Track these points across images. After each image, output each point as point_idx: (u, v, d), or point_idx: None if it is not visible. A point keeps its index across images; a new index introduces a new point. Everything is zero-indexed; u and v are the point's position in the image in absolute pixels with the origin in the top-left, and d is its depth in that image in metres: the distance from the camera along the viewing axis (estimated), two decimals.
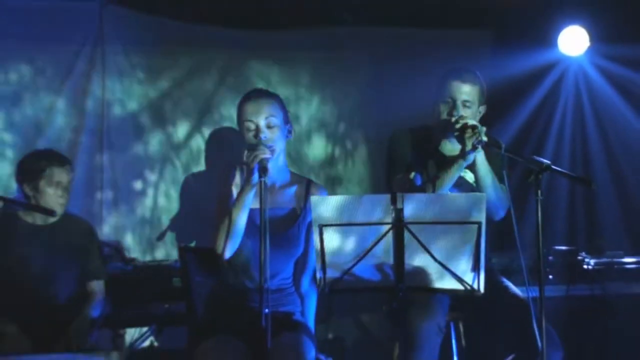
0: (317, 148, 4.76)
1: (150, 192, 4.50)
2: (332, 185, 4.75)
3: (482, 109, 3.46)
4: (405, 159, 3.44)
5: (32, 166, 3.54)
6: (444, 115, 3.37)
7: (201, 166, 4.51)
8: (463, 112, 3.34)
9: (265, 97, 3.14)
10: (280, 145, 3.11)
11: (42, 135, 4.29)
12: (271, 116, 3.09)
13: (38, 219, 3.56)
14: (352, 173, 4.82)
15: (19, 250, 3.51)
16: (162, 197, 4.51)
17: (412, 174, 3.37)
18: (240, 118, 3.12)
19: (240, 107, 3.14)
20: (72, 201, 3.66)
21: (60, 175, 3.52)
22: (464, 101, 3.37)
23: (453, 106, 3.36)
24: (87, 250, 3.62)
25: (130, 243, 4.44)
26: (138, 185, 4.49)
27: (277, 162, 3.09)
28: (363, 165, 4.82)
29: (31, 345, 3.33)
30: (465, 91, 3.37)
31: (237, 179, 3.15)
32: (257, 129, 3.06)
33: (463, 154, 3.20)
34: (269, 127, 3.08)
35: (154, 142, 4.50)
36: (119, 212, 4.42)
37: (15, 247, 3.52)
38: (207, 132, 4.54)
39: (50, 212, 3.40)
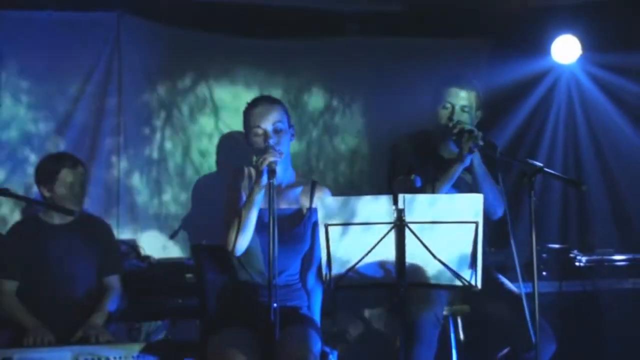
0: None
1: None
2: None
3: (479, 113, 3.48)
4: (406, 162, 3.46)
5: (47, 169, 3.57)
6: (444, 120, 3.39)
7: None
8: (461, 117, 3.36)
9: (270, 104, 3.16)
10: (286, 148, 3.13)
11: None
12: (278, 122, 3.12)
13: (56, 219, 3.59)
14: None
15: (40, 249, 3.54)
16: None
17: (413, 176, 3.38)
18: (248, 124, 3.14)
19: (247, 114, 3.16)
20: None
21: (72, 176, 3.55)
22: (462, 106, 3.39)
23: (452, 111, 3.38)
24: (103, 247, 3.64)
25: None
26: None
27: (283, 164, 3.10)
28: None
29: (54, 338, 3.36)
30: (463, 97, 3.40)
31: (246, 181, 3.17)
32: (265, 135, 3.09)
33: (461, 157, 3.22)
34: (276, 132, 3.11)
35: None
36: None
37: (36, 247, 3.55)
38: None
39: (69, 212, 3.43)
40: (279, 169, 2.95)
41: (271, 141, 3.06)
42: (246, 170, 3.20)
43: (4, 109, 4.28)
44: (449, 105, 3.40)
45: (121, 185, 4.42)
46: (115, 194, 4.41)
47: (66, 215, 3.52)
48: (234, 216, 3.04)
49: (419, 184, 3.36)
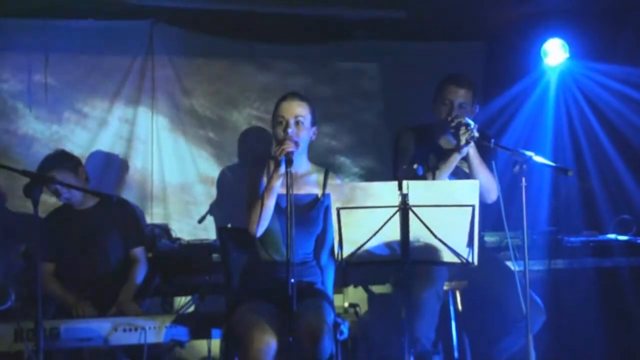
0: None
1: None
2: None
3: (475, 109, 3.47)
4: (409, 152, 3.45)
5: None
6: (443, 115, 3.38)
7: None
8: (459, 112, 3.35)
9: (298, 100, 3.14)
10: (304, 142, 3.12)
11: None
12: (300, 116, 3.10)
13: (83, 204, 3.58)
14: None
15: (72, 232, 3.55)
16: None
17: (415, 165, 3.37)
18: (275, 113, 3.14)
19: (276, 105, 3.16)
20: None
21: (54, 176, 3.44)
22: (460, 103, 3.38)
23: (451, 107, 3.38)
24: (126, 222, 3.63)
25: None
26: None
27: (300, 155, 3.11)
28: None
29: (95, 311, 3.38)
30: (461, 94, 3.39)
31: (266, 170, 3.16)
32: (286, 125, 3.09)
33: (458, 148, 3.22)
34: (296, 124, 3.09)
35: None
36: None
37: (68, 230, 3.55)
38: None
39: (107, 197, 3.43)
40: (295, 159, 2.95)
41: (290, 131, 3.05)
42: (267, 160, 3.21)
43: (49, 107, 4.29)
44: (448, 102, 3.39)
45: (154, 180, 4.42)
46: (149, 188, 4.41)
47: (93, 198, 3.52)
48: (255, 202, 3.04)
49: (420, 172, 3.35)
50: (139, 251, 3.63)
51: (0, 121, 4.25)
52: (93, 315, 3.33)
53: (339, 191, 2.70)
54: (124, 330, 3.15)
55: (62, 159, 3.56)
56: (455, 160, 3.26)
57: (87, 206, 3.60)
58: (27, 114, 4.27)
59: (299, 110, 3.11)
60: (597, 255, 3.97)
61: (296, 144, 2.98)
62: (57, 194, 3.53)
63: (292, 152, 2.90)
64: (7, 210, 4.10)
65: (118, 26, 4.34)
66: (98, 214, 3.59)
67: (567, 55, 4.48)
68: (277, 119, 3.12)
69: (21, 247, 3.70)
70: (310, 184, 3.19)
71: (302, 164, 3.17)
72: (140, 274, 3.58)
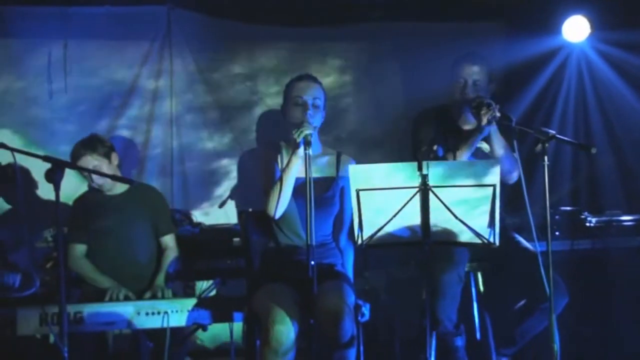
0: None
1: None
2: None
3: (492, 87, 3.43)
4: (428, 134, 3.42)
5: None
6: (457, 94, 3.36)
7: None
8: (474, 90, 3.32)
9: (315, 82, 3.17)
10: (318, 124, 3.13)
11: None
12: (317, 98, 3.12)
13: (113, 190, 3.59)
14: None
15: (101, 217, 3.55)
16: None
17: (435, 147, 3.35)
18: (291, 94, 3.13)
19: (292, 85, 3.15)
20: None
21: (86, 162, 3.45)
22: (475, 81, 3.36)
23: (465, 85, 3.35)
24: (156, 210, 3.63)
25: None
26: None
27: (313, 137, 3.08)
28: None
29: (131, 294, 3.36)
30: (476, 72, 3.37)
31: (280, 154, 3.16)
32: (305, 106, 3.08)
33: (479, 128, 3.18)
34: (314, 106, 3.10)
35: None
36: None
37: (97, 214, 3.56)
38: None
39: (129, 181, 3.42)
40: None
41: (309, 113, 3.05)
42: (280, 144, 3.19)
43: (69, 97, 4.30)
44: (462, 80, 3.37)
45: (174, 166, 4.43)
46: (169, 174, 4.41)
47: (123, 185, 3.52)
48: (272, 184, 3.03)
49: (441, 153, 3.33)
50: (169, 239, 3.64)
51: (20, 108, 4.26)
52: (129, 299, 3.32)
53: (358, 173, 2.68)
54: (147, 314, 3.17)
55: (95, 144, 3.55)
56: (476, 140, 3.23)
57: (117, 192, 3.60)
58: (47, 102, 4.28)
59: (315, 92, 3.11)
60: (621, 235, 3.91)
61: (314, 127, 2.97)
62: (89, 178, 3.53)
63: (310, 134, 2.89)
64: (37, 197, 4.12)
65: (135, 12, 4.31)
66: (126, 200, 3.59)
67: (589, 31, 4.39)
68: (294, 100, 3.10)
69: (46, 232, 3.72)
70: (324, 166, 3.19)
71: (314, 145, 3.14)
72: (172, 264, 3.59)
